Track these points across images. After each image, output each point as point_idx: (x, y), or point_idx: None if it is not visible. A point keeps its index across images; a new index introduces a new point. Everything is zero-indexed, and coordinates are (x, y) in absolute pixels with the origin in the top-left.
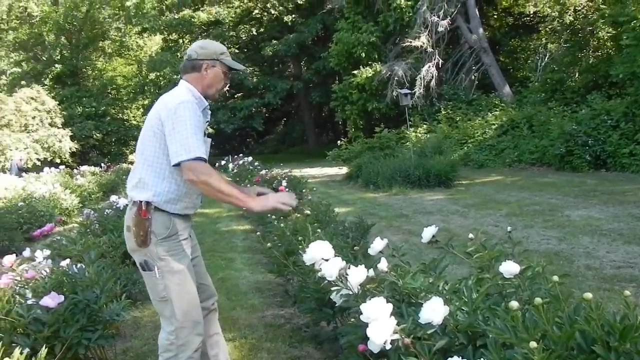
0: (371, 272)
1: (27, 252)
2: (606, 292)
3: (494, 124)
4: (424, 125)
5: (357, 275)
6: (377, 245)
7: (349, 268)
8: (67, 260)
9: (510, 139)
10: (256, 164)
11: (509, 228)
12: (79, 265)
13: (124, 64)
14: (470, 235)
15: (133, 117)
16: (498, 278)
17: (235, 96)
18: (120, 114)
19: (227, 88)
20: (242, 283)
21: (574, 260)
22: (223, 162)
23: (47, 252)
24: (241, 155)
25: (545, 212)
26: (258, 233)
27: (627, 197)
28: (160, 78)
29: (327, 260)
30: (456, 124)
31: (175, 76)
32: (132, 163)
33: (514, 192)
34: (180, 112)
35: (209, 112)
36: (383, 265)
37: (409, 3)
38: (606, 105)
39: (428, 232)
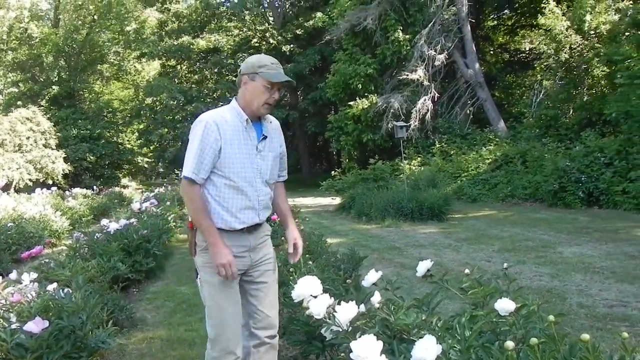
0: (362, 307)
1: (13, 275)
2: (599, 332)
3: (488, 159)
4: (418, 158)
5: (347, 312)
6: (371, 277)
7: (338, 304)
8: (55, 284)
9: (503, 173)
10: None
11: (504, 264)
12: (65, 290)
13: (121, 87)
14: (466, 271)
15: (128, 141)
16: (492, 315)
17: None
18: (115, 138)
19: (275, 99)
20: None
21: (566, 298)
22: None
23: (34, 275)
24: None
25: (538, 248)
26: None
27: (620, 234)
28: (157, 103)
29: (315, 297)
30: (450, 158)
31: (171, 102)
32: (124, 187)
33: (506, 227)
34: (193, 131)
35: (263, 126)
36: (375, 299)
37: (407, 37)
38: (600, 143)
39: (423, 266)
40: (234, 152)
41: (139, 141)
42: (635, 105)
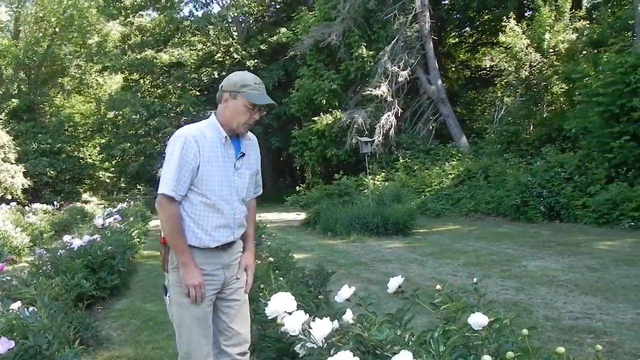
0: (335, 323)
1: None
2: (566, 344)
3: (451, 174)
4: (382, 173)
5: (322, 328)
6: (344, 293)
7: (312, 320)
8: (18, 303)
9: (466, 188)
10: None
11: (474, 279)
12: (30, 308)
13: (82, 101)
14: (438, 287)
15: (89, 155)
16: (465, 330)
17: None
18: (76, 152)
19: (255, 119)
20: None
21: (532, 311)
22: None
23: None
24: None
25: (503, 262)
26: None
27: (581, 248)
28: (119, 117)
29: (290, 313)
30: (414, 173)
31: (134, 116)
32: (86, 202)
33: (470, 241)
34: (171, 146)
35: (241, 143)
36: (348, 315)
37: (371, 53)
38: (560, 158)
39: (394, 282)
40: (212, 169)
41: (100, 156)
42: (593, 121)
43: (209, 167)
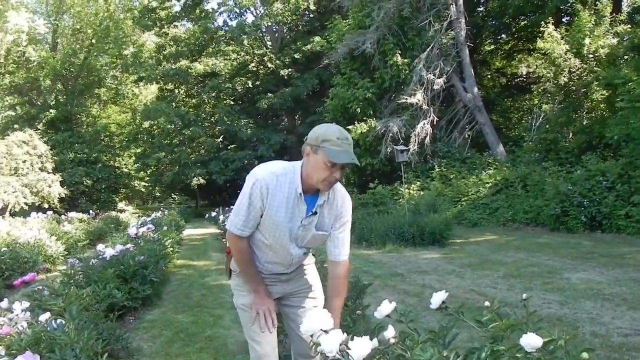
0: (375, 342)
1: (4, 303)
2: None
3: (487, 183)
4: (418, 182)
5: (361, 348)
6: (384, 309)
7: (351, 339)
8: (47, 314)
9: (504, 198)
10: None
11: (524, 295)
12: (58, 320)
13: (118, 111)
14: (487, 303)
15: (124, 164)
16: (514, 350)
17: (229, 147)
18: (112, 162)
19: (336, 178)
20: (230, 342)
21: (578, 326)
22: (214, 214)
23: (26, 304)
24: (232, 207)
25: (544, 274)
26: None
27: (627, 260)
28: (154, 127)
29: (326, 331)
30: (450, 182)
31: (169, 126)
32: (121, 211)
33: (509, 252)
34: (246, 184)
35: (319, 199)
36: (390, 333)
37: (406, 61)
38: (601, 167)
39: (438, 298)
40: (278, 219)
41: (136, 165)
42: (636, 128)
43: (275, 216)
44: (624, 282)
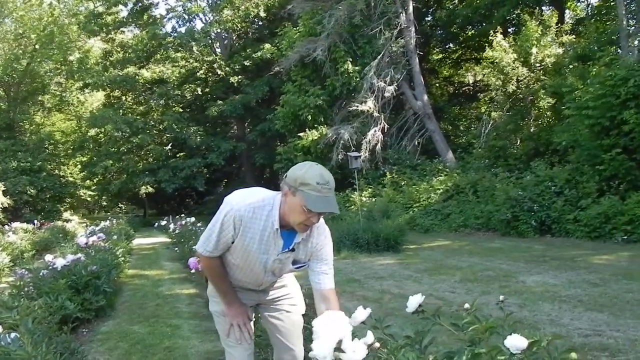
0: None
1: None
2: None
3: (439, 189)
4: (369, 189)
5: (357, 352)
6: (359, 315)
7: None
8: None
9: (455, 204)
10: (199, 224)
11: (501, 297)
12: (12, 334)
13: (63, 119)
14: (466, 305)
15: (70, 173)
16: (494, 352)
17: (178, 155)
18: (56, 170)
19: (313, 223)
20: (191, 353)
21: (539, 328)
22: (163, 223)
23: None
24: (182, 215)
25: (500, 277)
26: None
27: (578, 262)
28: (101, 135)
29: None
30: (401, 189)
31: (116, 133)
32: (67, 221)
33: (463, 257)
34: (221, 211)
35: (297, 237)
36: (369, 339)
37: (357, 68)
38: (550, 172)
39: (414, 301)
40: (250, 249)
41: (82, 174)
42: (583, 134)
43: (248, 246)
44: (578, 284)
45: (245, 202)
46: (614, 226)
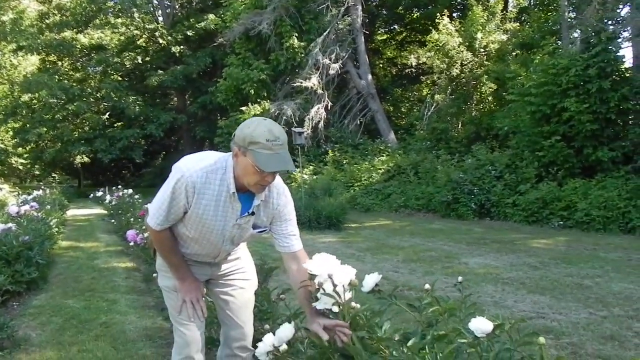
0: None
1: None
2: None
3: (380, 169)
4: (311, 167)
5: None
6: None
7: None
8: None
9: (396, 184)
10: (137, 196)
11: (459, 278)
12: None
13: None
14: (427, 286)
15: (1, 140)
16: (453, 335)
17: (115, 125)
18: None
19: (268, 182)
20: (129, 329)
21: (484, 310)
22: (99, 194)
23: None
24: (119, 187)
25: (442, 258)
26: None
27: (517, 246)
28: (35, 101)
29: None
30: (342, 167)
31: (51, 100)
32: (0, 188)
33: (405, 237)
34: (170, 178)
35: (255, 200)
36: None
37: (302, 44)
38: (490, 157)
39: (370, 280)
40: (205, 217)
41: (13, 140)
42: (524, 121)
43: (202, 215)
44: (520, 267)
45: (197, 166)
46: (551, 211)
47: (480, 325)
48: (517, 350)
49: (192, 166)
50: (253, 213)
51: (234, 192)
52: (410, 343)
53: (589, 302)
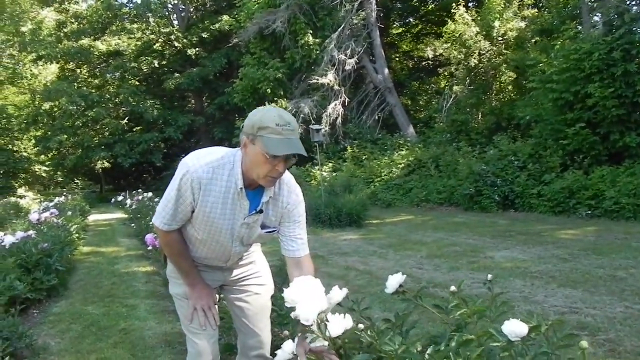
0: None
1: None
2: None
3: (400, 163)
4: (330, 164)
5: (339, 325)
6: (335, 296)
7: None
8: None
9: (417, 178)
10: (156, 199)
11: (489, 276)
12: None
13: (16, 92)
14: (452, 288)
15: (24, 148)
16: (483, 338)
17: (134, 129)
18: (9, 145)
19: (280, 172)
20: (148, 335)
21: (513, 306)
22: (120, 198)
23: None
24: (140, 190)
25: (467, 253)
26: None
27: (544, 237)
28: (55, 108)
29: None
30: (362, 163)
31: (71, 107)
32: (21, 197)
33: (428, 232)
34: (176, 175)
35: (264, 196)
36: (349, 323)
37: (317, 41)
38: (513, 147)
39: (394, 281)
40: (212, 215)
41: (36, 149)
42: (546, 109)
43: (210, 213)
44: (548, 260)
45: (203, 161)
46: (577, 201)
47: (515, 328)
48: (554, 353)
49: (197, 161)
50: (261, 211)
51: (241, 188)
52: (429, 351)
53: (624, 295)
